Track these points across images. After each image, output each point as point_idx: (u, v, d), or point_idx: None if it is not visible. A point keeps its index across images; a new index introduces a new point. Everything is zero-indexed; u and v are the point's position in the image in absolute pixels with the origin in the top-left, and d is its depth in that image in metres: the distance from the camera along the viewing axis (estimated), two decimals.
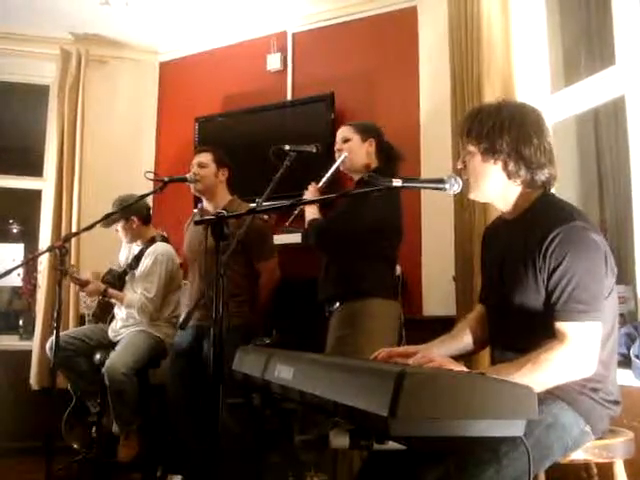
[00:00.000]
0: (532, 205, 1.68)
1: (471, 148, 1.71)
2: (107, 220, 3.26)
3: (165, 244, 3.67)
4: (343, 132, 2.81)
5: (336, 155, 2.78)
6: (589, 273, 1.51)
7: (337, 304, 2.68)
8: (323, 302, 2.76)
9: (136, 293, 3.54)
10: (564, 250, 1.51)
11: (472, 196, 1.78)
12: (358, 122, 2.94)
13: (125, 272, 3.71)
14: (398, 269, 3.51)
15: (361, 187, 2.67)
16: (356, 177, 2.81)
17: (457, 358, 1.72)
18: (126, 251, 3.82)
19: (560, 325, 1.50)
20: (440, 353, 1.74)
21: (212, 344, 1.74)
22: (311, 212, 2.74)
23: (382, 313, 2.62)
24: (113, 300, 3.63)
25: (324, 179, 2.72)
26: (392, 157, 2.80)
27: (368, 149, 2.77)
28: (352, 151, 2.75)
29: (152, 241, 3.67)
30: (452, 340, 1.86)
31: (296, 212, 2.69)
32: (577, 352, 1.48)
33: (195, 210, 3.74)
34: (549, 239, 1.53)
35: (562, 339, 1.49)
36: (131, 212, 3.54)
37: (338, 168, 2.76)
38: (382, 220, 2.63)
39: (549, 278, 1.54)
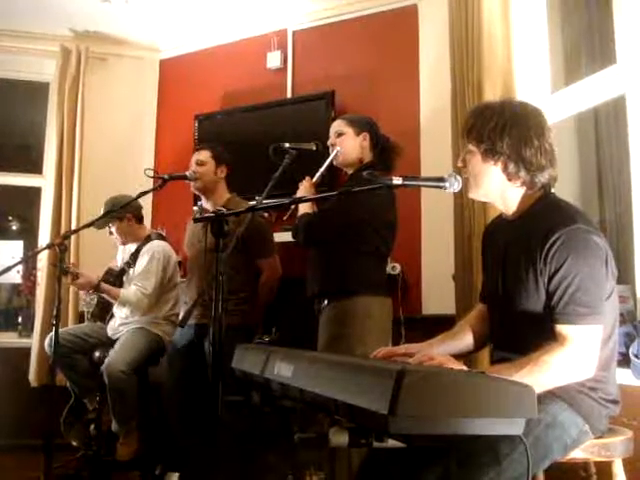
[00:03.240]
0: (533, 206, 1.68)
1: (471, 147, 1.71)
2: (100, 221, 3.25)
3: (161, 241, 3.66)
4: (336, 126, 2.78)
5: (330, 149, 2.75)
6: (590, 276, 1.51)
7: (325, 302, 2.65)
8: (311, 298, 2.72)
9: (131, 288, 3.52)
10: (565, 253, 1.51)
11: (472, 195, 1.78)
12: (352, 115, 2.92)
13: (123, 271, 3.69)
14: (398, 267, 3.54)
15: (354, 181, 2.65)
16: (349, 171, 2.78)
17: (457, 357, 1.71)
18: (121, 253, 3.80)
19: (561, 328, 1.50)
20: (440, 351, 1.74)
21: (211, 342, 1.74)
22: (303, 207, 2.70)
23: (372, 311, 2.56)
24: (105, 295, 3.55)
25: (318, 174, 2.70)
26: (387, 151, 2.77)
27: (362, 143, 2.74)
28: (345, 145, 2.72)
29: (148, 239, 3.65)
30: (453, 339, 1.86)
31: (293, 207, 2.69)
32: (577, 355, 1.48)
33: (195, 208, 3.73)
34: (550, 242, 1.53)
35: (562, 341, 1.49)
36: (126, 211, 3.52)
37: (331, 163, 2.74)
38: (371, 215, 2.59)
39: (550, 281, 1.54)
